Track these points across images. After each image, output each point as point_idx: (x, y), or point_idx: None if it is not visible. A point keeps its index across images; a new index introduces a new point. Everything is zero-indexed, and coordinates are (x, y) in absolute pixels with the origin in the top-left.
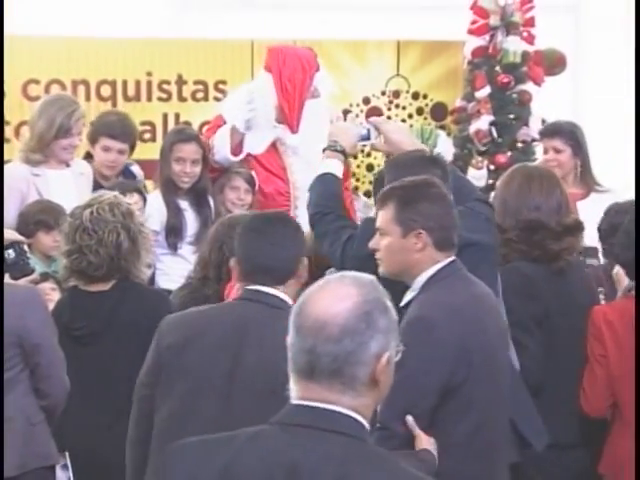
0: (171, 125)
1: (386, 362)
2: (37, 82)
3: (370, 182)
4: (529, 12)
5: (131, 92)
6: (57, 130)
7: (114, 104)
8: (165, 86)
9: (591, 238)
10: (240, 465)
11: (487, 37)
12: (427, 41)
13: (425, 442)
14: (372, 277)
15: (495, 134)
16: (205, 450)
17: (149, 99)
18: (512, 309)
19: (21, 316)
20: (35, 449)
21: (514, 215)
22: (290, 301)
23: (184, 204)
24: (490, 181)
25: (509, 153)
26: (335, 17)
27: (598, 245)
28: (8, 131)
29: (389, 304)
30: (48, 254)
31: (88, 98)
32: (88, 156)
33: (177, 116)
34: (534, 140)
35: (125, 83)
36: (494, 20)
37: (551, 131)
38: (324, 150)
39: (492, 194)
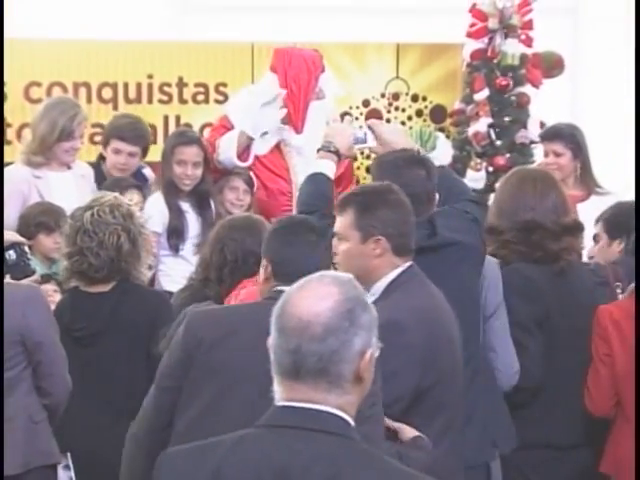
0: (172, 127)
1: (369, 359)
2: (39, 84)
3: None
4: (527, 15)
5: (132, 94)
6: (59, 133)
7: (115, 106)
8: (166, 88)
9: (590, 239)
10: (229, 468)
11: (486, 40)
12: (426, 44)
13: (409, 431)
14: (350, 276)
15: (494, 136)
16: (194, 456)
17: (150, 101)
18: (513, 310)
19: (23, 314)
20: (37, 447)
21: (509, 216)
22: None
23: (185, 206)
24: (488, 183)
25: (507, 155)
26: (335, 20)
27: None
28: (10, 133)
29: (368, 301)
30: (49, 256)
31: (89, 100)
32: (101, 158)
33: (178, 118)
34: (532, 142)
35: (126, 85)
36: (493, 23)
37: (551, 134)
38: (318, 150)
39: (491, 195)
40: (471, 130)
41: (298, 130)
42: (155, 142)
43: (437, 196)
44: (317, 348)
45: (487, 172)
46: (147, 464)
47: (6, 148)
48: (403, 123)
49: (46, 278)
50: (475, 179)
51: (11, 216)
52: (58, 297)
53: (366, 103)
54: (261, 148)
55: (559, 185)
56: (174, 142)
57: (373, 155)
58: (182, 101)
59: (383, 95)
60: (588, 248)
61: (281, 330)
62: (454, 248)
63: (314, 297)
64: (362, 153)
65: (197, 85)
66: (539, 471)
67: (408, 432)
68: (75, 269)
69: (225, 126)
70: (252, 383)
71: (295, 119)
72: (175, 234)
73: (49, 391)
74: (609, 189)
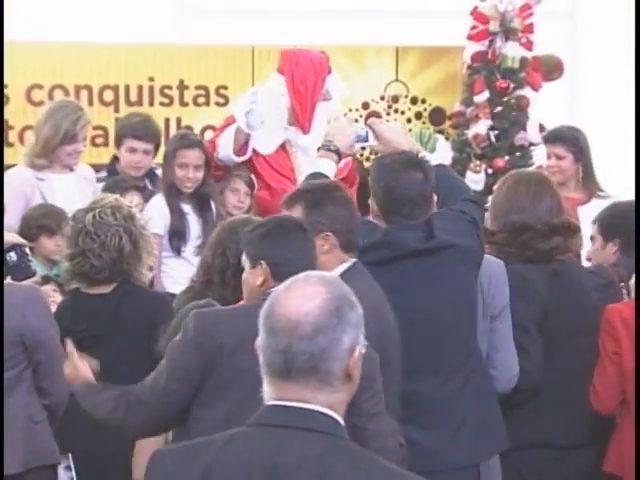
0: (173, 130)
1: (358, 356)
2: (40, 87)
3: None
4: (528, 18)
5: (133, 97)
6: (63, 136)
7: (116, 109)
8: (167, 91)
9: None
10: (219, 467)
11: (486, 42)
12: (425, 47)
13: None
14: (336, 275)
15: (493, 138)
16: (185, 455)
17: (151, 104)
18: (512, 312)
19: (23, 314)
20: (37, 447)
21: (502, 219)
22: None
23: (187, 208)
24: (488, 185)
25: (507, 157)
26: (335, 23)
27: None
28: (12, 135)
29: (354, 299)
30: (50, 258)
31: (91, 103)
32: (115, 159)
33: (179, 121)
34: (532, 144)
35: (127, 88)
36: (494, 26)
37: (553, 137)
38: (319, 149)
39: (489, 198)
40: (471, 132)
41: (305, 130)
42: (156, 154)
43: (435, 197)
44: (307, 347)
45: (486, 174)
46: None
47: (8, 150)
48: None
49: (46, 279)
50: (474, 181)
51: (13, 218)
52: (58, 298)
53: (365, 105)
54: (267, 148)
55: (554, 188)
56: (176, 145)
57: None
58: (183, 104)
59: (382, 97)
60: (586, 250)
61: (270, 331)
62: (451, 251)
63: (302, 297)
64: (362, 155)
65: (198, 88)
66: (538, 471)
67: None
68: (77, 270)
69: (230, 124)
70: None
71: (302, 120)
72: (177, 236)
73: (49, 391)
74: (611, 192)
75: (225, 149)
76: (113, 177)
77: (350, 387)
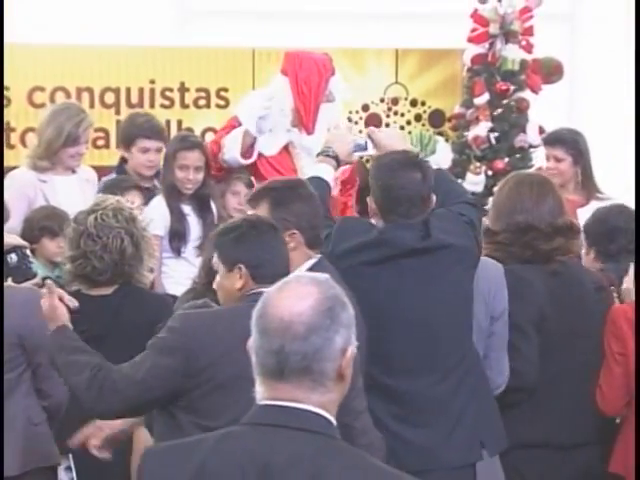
0: (174, 132)
1: (350, 356)
2: (42, 89)
3: None
4: (528, 21)
5: (134, 99)
6: (65, 139)
7: (117, 111)
8: (168, 93)
9: None
10: (213, 465)
11: (486, 45)
12: (425, 49)
13: None
14: (327, 275)
15: (493, 140)
16: (177, 453)
17: (152, 106)
18: (508, 312)
19: (22, 317)
20: (37, 449)
21: (505, 219)
22: None
23: (187, 209)
24: (488, 186)
25: (507, 159)
26: (335, 25)
27: None
28: (13, 137)
29: (346, 299)
30: (52, 260)
31: (92, 105)
32: (123, 161)
33: (180, 123)
34: (531, 146)
35: (128, 90)
36: (494, 28)
37: (553, 139)
38: (318, 155)
39: (490, 199)
40: (471, 134)
41: (310, 131)
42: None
43: (434, 197)
44: (300, 347)
45: (486, 176)
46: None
47: (10, 152)
48: (402, 128)
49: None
50: (474, 183)
51: (16, 220)
52: None
53: (365, 108)
54: (270, 149)
55: (556, 190)
56: (176, 147)
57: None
58: (184, 106)
59: (382, 100)
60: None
61: (263, 331)
62: (447, 250)
63: (294, 297)
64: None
65: (199, 90)
66: (537, 471)
67: None
68: (78, 272)
69: (234, 126)
70: None
71: (306, 121)
72: (177, 237)
73: (49, 393)
74: (610, 194)
75: (231, 151)
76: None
77: (342, 387)
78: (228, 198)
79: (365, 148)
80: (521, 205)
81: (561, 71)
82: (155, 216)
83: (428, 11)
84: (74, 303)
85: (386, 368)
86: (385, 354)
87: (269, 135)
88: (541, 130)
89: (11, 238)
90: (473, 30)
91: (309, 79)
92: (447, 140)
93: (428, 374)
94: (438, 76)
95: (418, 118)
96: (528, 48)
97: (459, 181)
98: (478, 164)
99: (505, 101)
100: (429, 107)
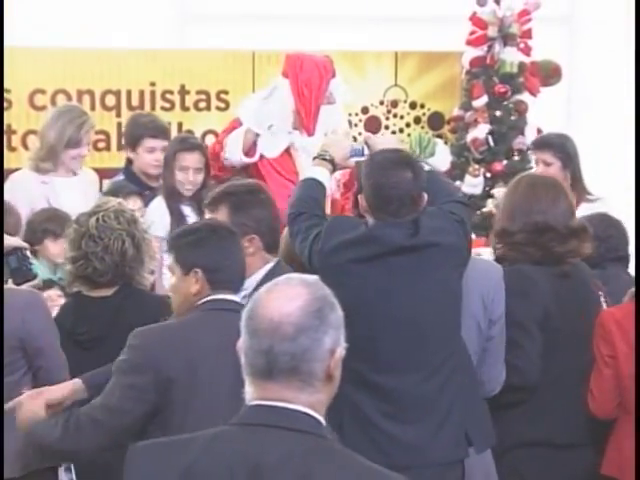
0: (174, 134)
1: (339, 357)
2: (43, 92)
3: None
4: (526, 24)
5: (135, 102)
6: (67, 141)
7: (118, 114)
8: (168, 96)
9: None
10: (202, 465)
11: (485, 47)
12: (424, 52)
13: None
14: (316, 277)
15: (492, 143)
16: (165, 452)
17: (153, 108)
18: (512, 309)
19: (23, 320)
20: (38, 451)
21: (521, 219)
22: None
23: (187, 210)
24: (486, 188)
25: (505, 161)
26: (334, 28)
27: None
28: (15, 140)
29: (335, 301)
30: (55, 261)
31: (93, 108)
32: (129, 162)
33: (180, 125)
34: (530, 149)
35: (129, 93)
36: (492, 31)
37: (541, 144)
38: (314, 158)
39: (488, 201)
40: (470, 136)
41: (310, 133)
42: None
43: (426, 197)
44: (289, 347)
45: (485, 178)
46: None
47: (11, 155)
48: (401, 130)
49: (49, 283)
50: (473, 185)
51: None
52: (63, 301)
53: (365, 110)
54: (272, 151)
55: (566, 191)
56: (176, 148)
57: None
58: (184, 108)
59: (382, 102)
60: None
61: (253, 332)
62: (435, 249)
63: (284, 298)
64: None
65: (199, 92)
66: (537, 470)
67: None
68: (79, 273)
69: (235, 127)
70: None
71: (307, 122)
72: None
73: None
74: (599, 195)
75: (234, 150)
76: (113, 182)
77: (331, 388)
78: None
79: (362, 154)
80: (538, 206)
81: (559, 74)
82: (155, 217)
83: (427, 14)
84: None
85: (374, 365)
86: (373, 351)
87: (271, 136)
88: (539, 132)
89: (11, 240)
90: (472, 33)
91: (310, 81)
92: (446, 142)
93: (416, 371)
94: (437, 79)
95: (417, 120)
96: (526, 51)
97: (457, 183)
98: (477, 166)
99: (504, 103)
100: (428, 109)
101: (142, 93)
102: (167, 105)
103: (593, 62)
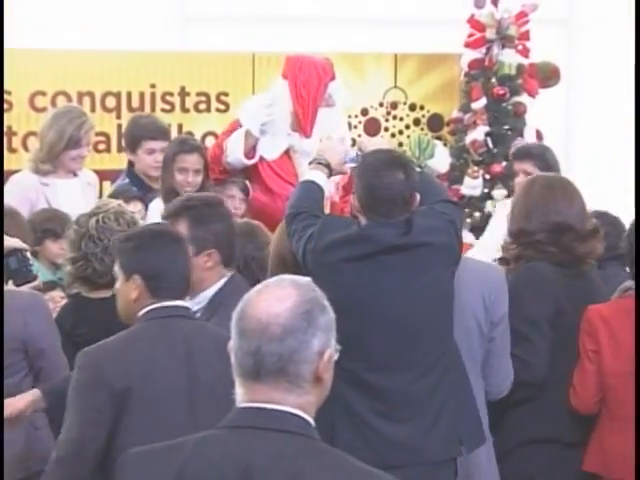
0: (174, 136)
1: (328, 359)
2: (44, 94)
3: None
4: (524, 26)
5: (135, 103)
6: (67, 141)
7: (118, 115)
8: (168, 98)
9: None
10: (192, 468)
11: (483, 50)
12: (423, 54)
13: None
14: (308, 279)
15: (491, 144)
16: (156, 457)
17: (153, 110)
18: (523, 304)
19: (25, 322)
20: (38, 453)
21: (539, 218)
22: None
23: None
24: (486, 190)
25: (504, 163)
26: (334, 30)
27: None
28: (15, 141)
29: (326, 303)
30: (55, 262)
31: (93, 109)
32: (130, 165)
33: (180, 127)
34: (509, 159)
35: (129, 95)
36: (490, 33)
37: (521, 154)
38: (310, 163)
39: (488, 202)
40: (469, 138)
41: (307, 135)
42: None
43: (418, 197)
44: (276, 348)
45: (484, 179)
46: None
47: (12, 156)
48: (401, 132)
49: (51, 285)
50: (472, 186)
51: None
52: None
53: (365, 112)
54: (271, 153)
55: (579, 191)
56: (175, 150)
57: None
58: (184, 110)
59: (381, 104)
60: None
61: (241, 333)
62: (427, 249)
63: (273, 299)
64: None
65: (199, 94)
66: (546, 467)
67: None
68: (79, 274)
69: (235, 129)
70: (184, 404)
71: (304, 124)
72: None
73: None
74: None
75: (234, 152)
76: (117, 185)
77: (321, 390)
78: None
79: (357, 160)
80: (555, 206)
81: (558, 75)
82: (154, 219)
83: (426, 17)
84: None
85: (366, 364)
86: (365, 350)
87: (270, 139)
88: (538, 134)
89: (11, 241)
90: (470, 35)
91: (308, 82)
92: (445, 144)
93: (408, 370)
94: (436, 81)
95: (417, 122)
96: (525, 53)
97: (457, 185)
98: (476, 168)
99: (502, 105)
100: (428, 111)
101: (142, 95)
102: (167, 107)
103: (591, 64)
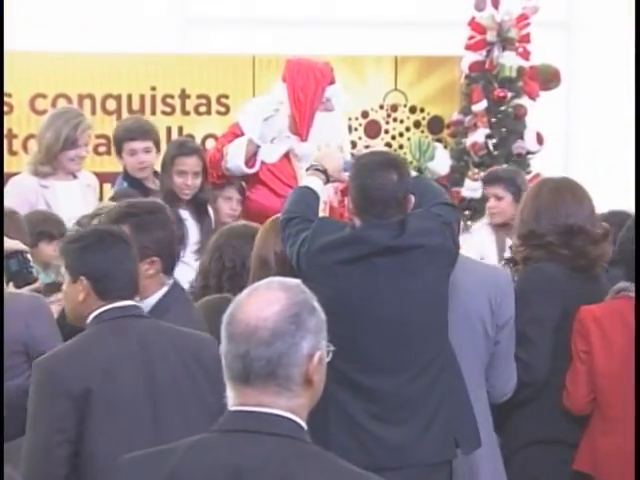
0: (174, 138)
1: (318, 361)
2: (44, 96)
3: None
4: (525, 28)
5: (135, 106)
6: (64, 142)
7: (119, 118)
8: (169, 100)
9: None
10: (183, 473)
11: (484, 52)
12: (424, 56)
13: None
14: (298, 281)
15: (491, 147)
16: (149, 462)
17: (153, 113)
18: (530, 305)
19: (27, 325)
20: None
21: (549, 220)
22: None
23: (185, 214)
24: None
25: (504, 165)
26: (334, 33)
27: None
28: (16, 144)
29: (316, 305)
30: (49, 263)
31: (94, 112)
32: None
33: (180, 129)
34: (529, 153)
35: (130, 97)
36: (491, 36)
37: (492, 178)
38: (307, 169)
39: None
40: (469, 140)
41: (302, 138)
42: (158, 152)
43: (412, 199)
44: (264, 352)
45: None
46: None
47: (12, 159)
48: (401, 134)
49: (55, 286)
50: (473, 188)
51: None
52: None
53: (365, 114)
54: (271, 156)
55: (589, 195)
56: (174, 152)
57: None
58: (185, 112)
59: (382, 106)
60: None
61: (230, 337)
62: (420, 251)
63: (261, 302)
64: None
65: (199, 97)
66: (550, 467)
67: None
68: None
69: (235, 133)
70: (147, 404)
71: (300, 127)
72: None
73: None
74: None
75: (235, 159)
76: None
77: (312, 392)
78: (220, 204)
79: None
80: (565, 208)
81: (558, 78)
82: None
83: (427, 19)
84: None
85: (360, 366)
86: (359, 352)
87: (271, 144)
88: (539, 136)
89: (11, 243)
90: (471, 37)
91: (306, 86)
92: (445, 146)
93: (402, 372)
94: (437, 83)
95: (417, 125)
96: (525, 55)
97: (457, 187)
98: (476, 170)
99: (503, 108)
100: (428, 114)
101: (143, 97)
102: (168, 109)
103: (592, 66)
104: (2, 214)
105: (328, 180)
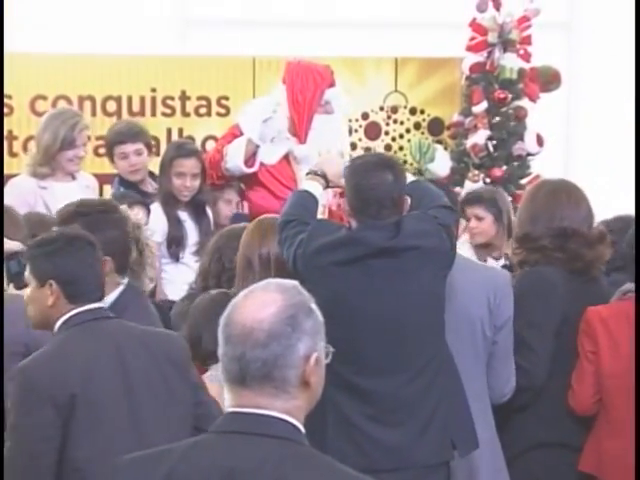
0: (175, 139)
1: (315, 363)
2: (44, 98)
3: None
4: (526, 30)
5: (136, 108)
6: (62, 142)
7: (119, 119)
8: (169, 102)
9: None
10: (179, 474)
11: (485, 54)
12: (424, 58)
13: None
14: (295, 282)
15: (491, 148)
16: (147, 463)
17: (153, 114)
18: (528, 310)
19: (28, 326)
20: None
21: (544, 223)
22: None
23: (184, 215)
24: None
25: (505, 167)
26: (334, 34)
27: None
28: (16, 145)
29: (313, 306)
30: None
31: (94, 113)
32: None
33: (180, 131)
34: (529, 154)
35: (130, 99)
36: (492, 37)
37: (472, 199)
38: (307, 174)
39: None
40: (469, 142)
41: (301, 140)
42: (158, 154)
43: (408, 200)
44: (260, 354)
45: (484, 183)
46: None
47: (12, 160)
48: (401, 136)
49: None
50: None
51: None
52: None
53: (365, 116)
54: (270, 158)
55: (586, 197)
56: (173, 154)
57: None
58: (185, 114)
59: (382, 108)
60: None
61: (227, 339)
62: (415, 252)
63: (258, 304)
64: None
65: (199, 98)
66: (553, 471)
67: None
68: None
69: (235, 134)
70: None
71: (299, 129)
72: (174, 243)
73: None
74: None
75: (234, 159)
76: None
77: (309, 394)
78: (220, 206)
79: None
80: (560, 211)
81: (559, 79)
82: (156, 223)
83: (427, 20)
84: None
85: (356, 368)
86: (355, 354)
87: (270, 144)
88: (539, 138)
89: (12, 244)
90: (472, 39)
91: (305, 88)
92: (446, 148)
93: (398, 374)
94: (437, 84)
95: (417, 126)
96: (526, 57)
97: (457, 189)
98: (476, 172)
99: (503, 109)
100: (428, 115)
101: (143, 99)
102: (168, 111)
103: (592, 68)
104: (2, 215)
105: (328, 185)
